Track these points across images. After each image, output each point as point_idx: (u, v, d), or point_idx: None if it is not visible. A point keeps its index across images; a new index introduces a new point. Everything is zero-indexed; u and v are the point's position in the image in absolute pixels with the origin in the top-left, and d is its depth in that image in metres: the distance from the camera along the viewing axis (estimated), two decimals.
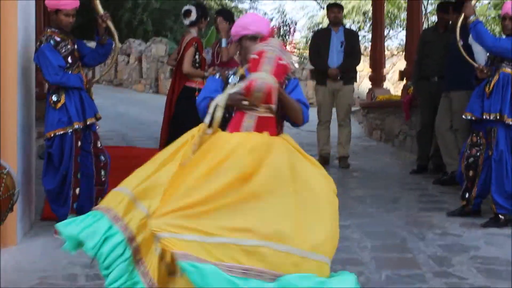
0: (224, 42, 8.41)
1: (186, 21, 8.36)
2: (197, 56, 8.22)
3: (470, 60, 7.39)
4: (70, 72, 6.32)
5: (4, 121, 5.96)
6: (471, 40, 7.45)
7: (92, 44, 6.90)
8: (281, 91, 4.18)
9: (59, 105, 6.27)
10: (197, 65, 8.21)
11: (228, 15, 8.86)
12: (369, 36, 20.50)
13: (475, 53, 7.72)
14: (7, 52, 5.98)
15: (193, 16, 8.28)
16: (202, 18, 8.37)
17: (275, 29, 4.37)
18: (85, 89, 6.43)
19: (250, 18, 4.75)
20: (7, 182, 4.45)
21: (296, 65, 4.36)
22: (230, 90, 4.07)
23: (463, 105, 7.55)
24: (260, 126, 4.04)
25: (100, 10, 6.65)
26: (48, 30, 6.36)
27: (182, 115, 8.20)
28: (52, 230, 6.41)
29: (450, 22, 9.06)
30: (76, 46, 6.49)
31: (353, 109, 11.59)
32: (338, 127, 10.37)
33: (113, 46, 6.81)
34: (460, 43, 7.52)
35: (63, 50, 6.31)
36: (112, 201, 4.07)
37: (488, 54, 7.27)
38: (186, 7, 8.47)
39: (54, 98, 6.29)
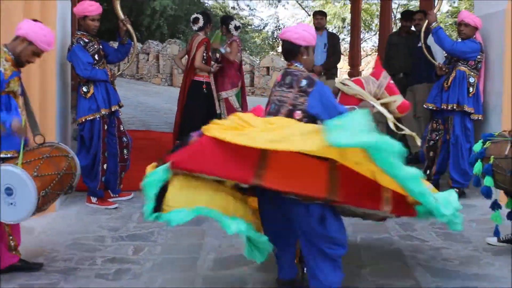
0: (223, 49, 8.44)
1: (195, 27, 8.31)
2: (204, 54, 8.19)
3: (432, 60, 7.38)
4: (97, 67, 6.30)
5: (45, 108, 5.97)
6: (430, 41, 7.42)
7: (116, 45, 6.88)
8: None
9: (88, 95, 6.26)
10: (203, 61, 8.18)
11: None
12: (348, 39, 20.44)
13: (433, 52, 7.68)
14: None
15: (201, 22, 8.24)
16: (207, 24, 8.32)
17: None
18: (110, 82, 6.42)
19: (313, 31, 4.27)
20: (71, 163, 4.49)
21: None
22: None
23: (425, 96, 7.55)
24: None
25: (121, 15, 6.68)
26: (78, 33, 6.34)
27: (191, 104, 8.20)
28: (84, 200, 6.44)
29: (412, 27, 9.03)
30: (101, 46, 6.46)
31: None
32: None
33: (132, 45, 6.81)
34: (423, 44, 7.50)
35: (91, 49, 6.29)
36: None
37: (445, 53, 7.25)
38: (194, 15, 8.43)
39: (84, 89, 6.27)
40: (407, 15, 9.45)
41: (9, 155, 4.30)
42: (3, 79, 4.25)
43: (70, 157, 4.54)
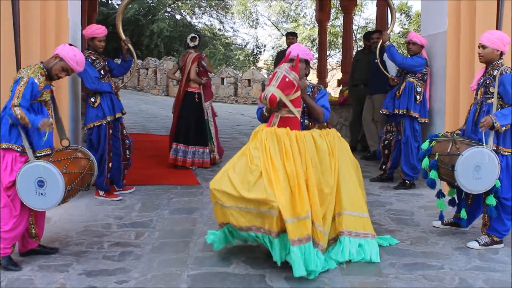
0: (204, 63, 8.38)
1: (191, 44, 8.28)
2: (197, 68, 8.18)
3: (386, 73, 7.43)
4: (103, 81, 6.27)
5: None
6: (386, 57, 7.47)
7: (119, 61, 6.85)
8: (303, 96, 4.33)
9: (96, 104, 6.22)
10: (196, 74, 8.17)
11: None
12: (316, 55, 20.51)
13: (388, 66, 7.74)
14: None
15: (197, 41, 8.26)
16: (200, 44, 8.34)
17: (291, 56, 4.32)
18: (114, 93, 6.39)
19: (292, 47, 4.55)
20: (91, 165, 4.51)
21: (292, 77, 4.24)
22: None
23: (381, 103, 7.60)
24: (282, 123, 4.18)
25: (123, 36, 6.68)
26: (87, 51, 6.31)
27: (186, 111, 8.18)
28: (93, 193, 6.40)
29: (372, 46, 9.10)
30: (106, 63, 6.43)
31: None
32: None
33: (133, 61, 6.79)
34: (378, 60, 7.55)
35: (97, 66, 6.26)
36: None
37: (397, 67, 7.31)
38: (193, 34, 8.41)
39: (92, 99, 6.24)
40: (367, 35, 9.51)
41: (43, 153, 4.30)
42: (37, 90, 4.29)
43: (91, 160, 4.55)
